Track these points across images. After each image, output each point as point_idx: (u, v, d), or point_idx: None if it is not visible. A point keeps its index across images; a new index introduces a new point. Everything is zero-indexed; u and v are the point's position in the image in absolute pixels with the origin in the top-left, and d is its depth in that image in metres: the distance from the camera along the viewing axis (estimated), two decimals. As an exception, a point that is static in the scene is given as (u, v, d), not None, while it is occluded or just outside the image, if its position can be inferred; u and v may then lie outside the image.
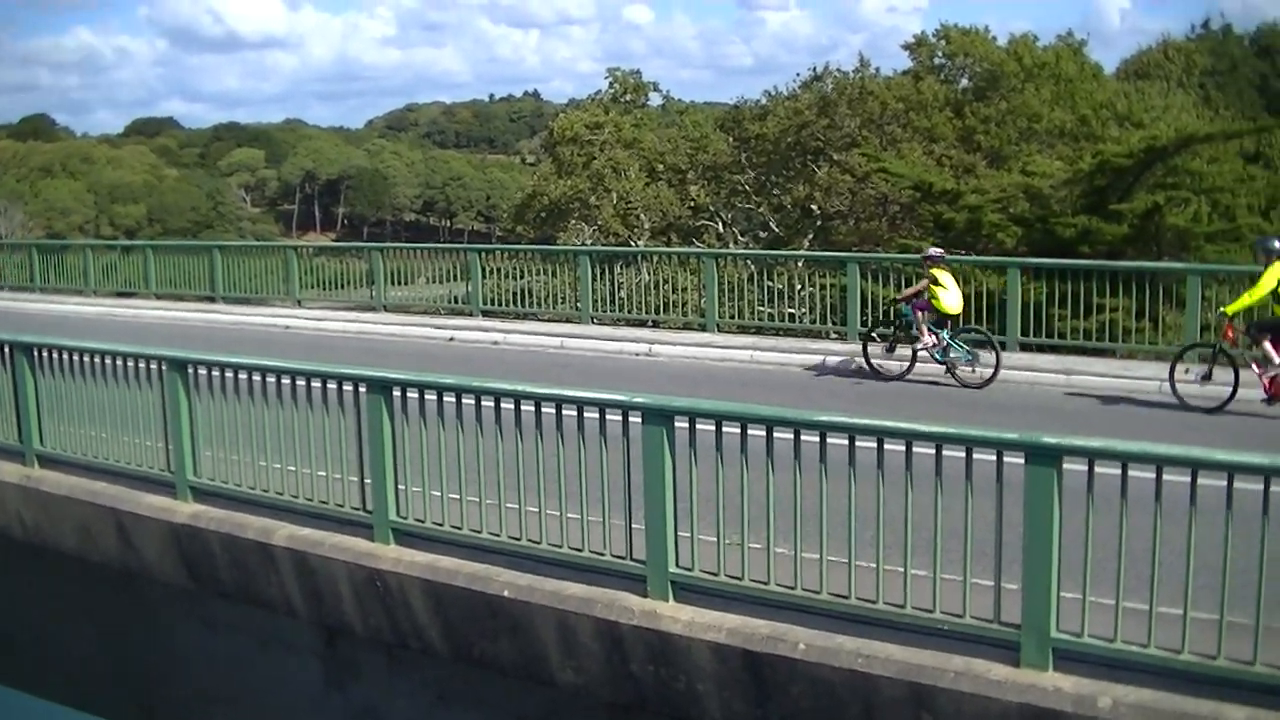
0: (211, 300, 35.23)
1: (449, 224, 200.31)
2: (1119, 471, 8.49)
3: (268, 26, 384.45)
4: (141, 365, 14.06)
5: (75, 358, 14.83)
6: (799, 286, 28.58)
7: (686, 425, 10.18)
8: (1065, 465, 8.64)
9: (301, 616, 12.98)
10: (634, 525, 10.57)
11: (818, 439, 9.58)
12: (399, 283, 33.13)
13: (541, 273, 31.25)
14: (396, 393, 11.84)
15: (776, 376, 22.10)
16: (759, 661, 9.70)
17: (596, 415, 10.62)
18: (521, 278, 31.42)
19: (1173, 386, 18.90)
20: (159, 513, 13.89)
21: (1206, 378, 18.68)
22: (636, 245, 53.13)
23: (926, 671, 8.99)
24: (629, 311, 28.69)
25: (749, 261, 30.50)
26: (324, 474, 12.56)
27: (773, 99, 60.15)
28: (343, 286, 35.13)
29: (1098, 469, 8.57)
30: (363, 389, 12.03)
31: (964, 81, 59.27)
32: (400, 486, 12.00)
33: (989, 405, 19.20)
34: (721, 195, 60.38)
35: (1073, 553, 8.68)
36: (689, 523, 10.29)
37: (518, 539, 11.22)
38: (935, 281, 21.57)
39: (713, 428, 10.06)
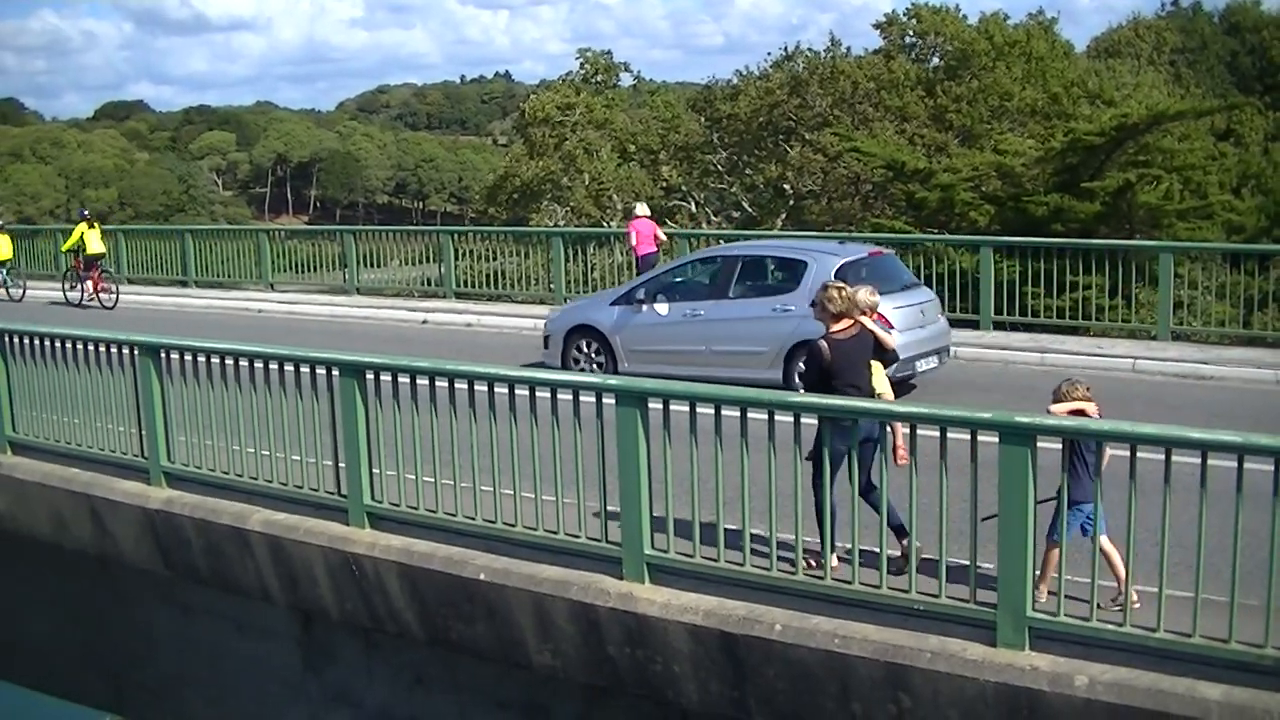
0: (184, 284, 35.20)
1: (421, 206, 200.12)
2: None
3: (235, 9, 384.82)
4: (114, 350, 13.99)
5: (47, 343, 14.74)
6: (773, 266, 28.53)
7: (660, 407, 10.16)
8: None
9: (277, 601, 12.94)
10: (609, 507, 10.56)
11: (792, 419, 9.58)
12: (372, 265, 33.11)
13: (514, 254, 31.26)
14: (370, 376, 11.79)
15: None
16: (735, 643, 9.70)
17: (570, 397, 10.60)
18: (494, 259, 31.49)
19: (64, 294, 33.14)
20: (133, 499, 13.83)
21: (74, 289, 32.91)
22: (609, 226, 53.10)
23: (903, 652, 9.00)
24: (603, 292, 28.65)
25: (722, 241, 30.42)
26: (298, 458, 12.50)
27: (744, 79, 60.09)
28: (315, 270, 35.07)
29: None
30: (336, 373, 11.99)
31: (935, 60, 59.28)
32: (374, 470, 11.95)
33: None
34: (694, 175, 60.34)
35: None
36: (664, 504, 10.29)
37: (493, 522, 11.19)
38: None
39: (687, 409, 10.04)
